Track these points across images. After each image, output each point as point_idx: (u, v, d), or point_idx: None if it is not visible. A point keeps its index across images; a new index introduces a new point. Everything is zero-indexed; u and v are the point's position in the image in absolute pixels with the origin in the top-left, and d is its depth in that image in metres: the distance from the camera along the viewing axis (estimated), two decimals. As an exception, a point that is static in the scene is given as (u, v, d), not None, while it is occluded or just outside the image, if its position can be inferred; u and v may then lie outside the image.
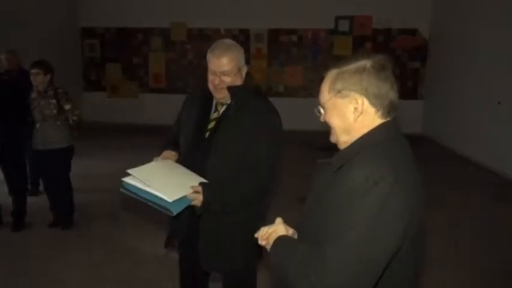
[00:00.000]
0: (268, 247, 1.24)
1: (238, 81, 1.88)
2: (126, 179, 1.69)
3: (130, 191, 1.68)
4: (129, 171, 1.70)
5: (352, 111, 1.12)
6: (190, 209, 1.77)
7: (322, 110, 1.18)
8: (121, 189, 1.72)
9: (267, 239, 1.26)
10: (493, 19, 6.36)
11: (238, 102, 1.86)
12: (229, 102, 1.90)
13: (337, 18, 8.90)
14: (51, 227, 3.98)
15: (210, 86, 1.89)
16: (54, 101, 3.73)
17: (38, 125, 3.77)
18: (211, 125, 1.91)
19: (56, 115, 3.73)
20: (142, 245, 3.67)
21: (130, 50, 9.55)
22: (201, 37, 9.21)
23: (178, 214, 1.68)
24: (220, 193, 1.78)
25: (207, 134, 1.89)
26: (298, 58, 9.11)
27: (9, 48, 4.94)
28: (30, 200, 4.20)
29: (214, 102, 1.96)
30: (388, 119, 1.13)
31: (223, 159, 1.83)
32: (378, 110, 1.12)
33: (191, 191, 1.73)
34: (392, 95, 1.12)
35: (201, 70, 9.15)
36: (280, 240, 1.21)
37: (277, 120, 1.90)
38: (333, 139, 1.20)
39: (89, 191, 4.87)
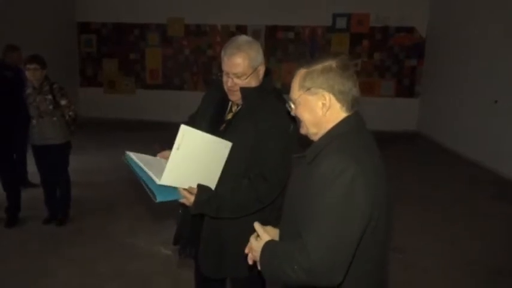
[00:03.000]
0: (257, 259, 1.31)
1: (254, 82, 1.72)
2: (130, 153, 1.65)
3: (129, 164, 1.63)
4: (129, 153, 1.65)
5: (320, 107, 1.25)
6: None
7: (292, 105, 1.32)
8: (123, 160, 1.66)
9: (252, 252, 1.34)
10: (489, 18, 6.37)
11: (249, 105, 1.71)
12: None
13: (335, 16, 8.89)
14: (45, 224, 3.95)
15: (225, 87, 1.74)
16: (50, 97, 3.67)
17: (34, 121, 3.71)
18: (223, 127, 1.78)
19: (52, 111, 3.68)
20: (137, 240, 3.66)
21: (127, 46, 9.51)
22: (198, 33, 9.14)
23: (161, 203, 1.57)
24: (216, 201, 1.63)
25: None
26: (296, 55, 9.08)
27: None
28: (24, 195, 4.18)
29: (230, 102, 1.83)
30: (352, 112, 1.27)
31: (227, 166, 1.68)
32: (343, 105, 1.25)
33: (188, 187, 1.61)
34: (354, 91, 1.25)
35: (198, 66, 9.26)
36: (265, 247, 1.28)
37: (290, 127, 1.68)
38: (303, 131, 1.34)
39: (84, 186, 4.86)
